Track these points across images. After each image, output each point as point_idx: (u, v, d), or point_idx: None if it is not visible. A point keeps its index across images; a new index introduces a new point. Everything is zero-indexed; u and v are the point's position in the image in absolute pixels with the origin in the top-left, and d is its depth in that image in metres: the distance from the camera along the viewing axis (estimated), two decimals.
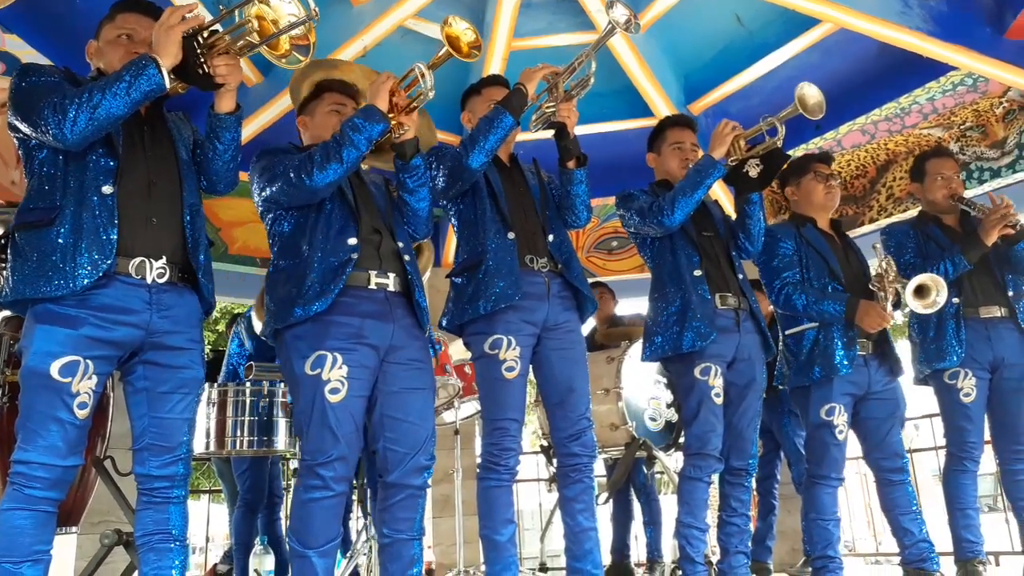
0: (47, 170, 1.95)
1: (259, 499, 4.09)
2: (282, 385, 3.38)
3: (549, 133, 2.69)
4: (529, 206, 2.68)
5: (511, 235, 2.55)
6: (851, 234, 3.59)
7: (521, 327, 2.51)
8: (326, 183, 2.20)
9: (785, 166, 3.16)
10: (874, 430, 2.97)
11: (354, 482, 3.71)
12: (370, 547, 3.53)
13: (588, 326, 5.06)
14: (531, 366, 2.60)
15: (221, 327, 11.98)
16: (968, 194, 4.31)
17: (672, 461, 4.11)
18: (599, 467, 4.36)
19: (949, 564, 3.02)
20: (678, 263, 2.86)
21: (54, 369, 1.81)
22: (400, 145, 2.34)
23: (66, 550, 4.14)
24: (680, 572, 2.80)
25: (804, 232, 3.08)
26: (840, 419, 2.89)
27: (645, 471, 4.52)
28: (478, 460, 2.55)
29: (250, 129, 4.63)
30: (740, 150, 2.80)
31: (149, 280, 1.95)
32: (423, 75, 2.21)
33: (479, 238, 2.56)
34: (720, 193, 4.86)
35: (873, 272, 2.93)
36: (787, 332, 3.08)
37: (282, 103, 4.56)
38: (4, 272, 2.03)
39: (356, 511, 4.23)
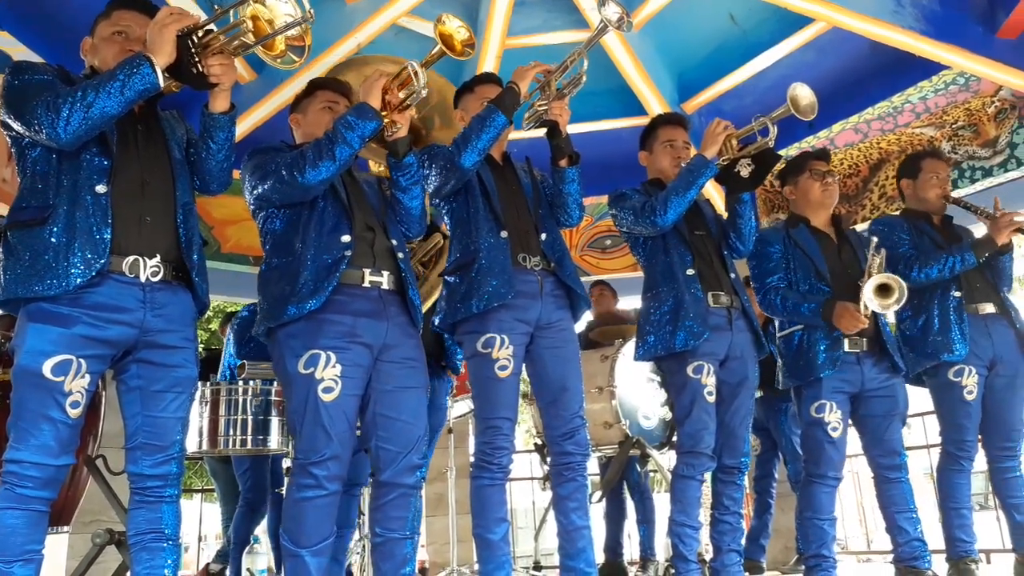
0: (40, 168, 1.93)
1: (261, 498, 4.09)
2: (275, 384, 3.37)
3: (542, 131, 2.69)
4: (522, 205, 2.68)
5: (504, 234, 2.55)
6: None
7: (514, 326, 2.50)
8: (319, 181, 2.19)
9: (780, 166, 3.17)
10: (872, 427, 2.97)
11: None
12: (363, 546, 3.53)
13: (583, 323, 5.08)
14: (524, 365, 2.60)
15: (214, 326, 11.97)
16: (959, 193, 4.34)
17: (666, 459, 4.11)
18: (592, 465, 4.37)
19: (941, 562, 3.02)
20: (671, 262, 2.86)
21: (46, 368, 1.81)
22: (393, 143, 2.33)
23: (58, 549, 4.13)
24: (673, 570, 2.80)
25: (794, 234, 3.08)
26: (832, 416, 2.89)
27: (639, 469, 4.53)
28: (471, 459, 2.55)
29: (243, 127, 4.62)
30: (732, 149, 2.80)
31: (143, 279, 1.94)
32: (416, 73, 2.21)
33: (472, 237, 2.56)
34: (713, 192, 4.86)
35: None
36: (779, 333, 3.09)
37: (275, 101, 4.55)
38: None
39: None
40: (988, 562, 4.31)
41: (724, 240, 2.97)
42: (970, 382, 3.05)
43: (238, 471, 4.17)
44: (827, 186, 3.12)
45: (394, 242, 2.36)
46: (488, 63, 4.57)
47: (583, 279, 2.76)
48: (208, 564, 4.65)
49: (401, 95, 2.27)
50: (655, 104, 4.93)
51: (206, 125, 2.09)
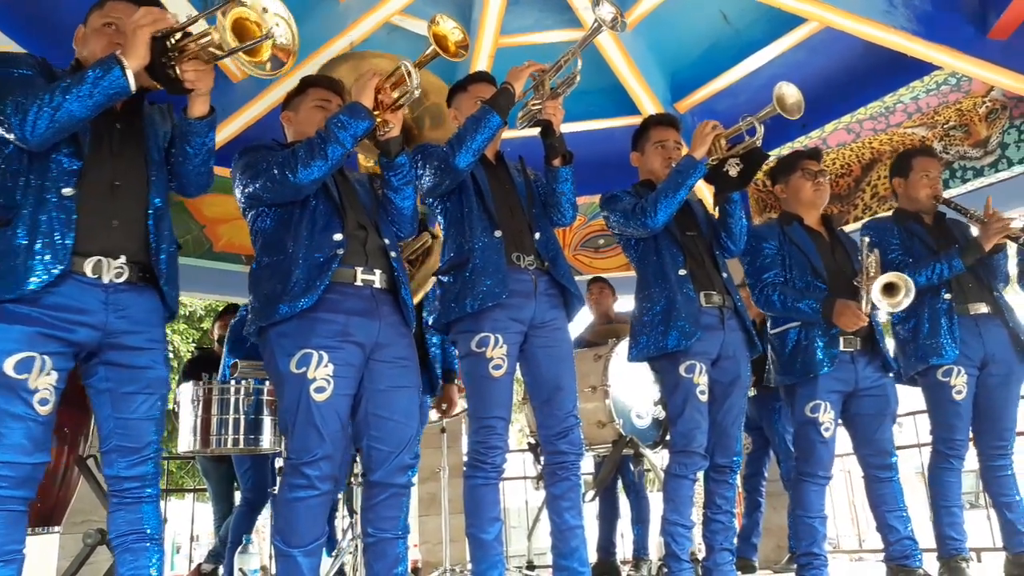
0: (12, 167, 1.90)
1: (261, 498, 4.08)
2: (267, 383, 3.36)
3: (535, 130, 2.69)
4: (515, 204, 2.68)
5: (498, 233, 2.54)
6: None
7: (508, 325, 2.50)
8: (310, 180, 2.18)
9: (772, 165, 3.17)
10: (863, 427, 2.98)
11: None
12: (356, 546, 3.52)
13: (585, 321, 5.09)
14: (518, 364, 2.60)
15: (206, 325, 11.94)
16: (951, 193, 4.36)
17: (659, 458, 4.12)
18: (587, 464, 4.38)
19: (932, 561, 3.04)
20: (663, 263, 2.87)
21: (8, 366, 1.78)
22: (385, 143, 2.33)
23: (49, 549, 4.11)
24: (666, 569, 2.80)
25: (788, 231, 3.09)
26: (826, 416, 2.90)
27: (633, 469, 4.53)
28: (464, 458, 2.55)
29: (235, 125, 4.60)
30: (721, 149, 2.81)
31: (106, 280, 1.91)
32: (409, 73, 2.20)
33: (466, 236, 2.55)
34: (705, 192, 4.87)
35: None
36: (772, 331, 3.09)
37: (267, 100, 4.53)
38: None
39: (342, 510, 4.21)
40: (979, 560, 4.33)
41: (716, 240, 2.98)
42: (959, 382, 3.06)
43: (239, 471, 4.16)
44: (819, 186, 3.13)
45: (386, 241, 2.35)
46: (481, 62, 4.56)
47: (576, 278, 2.76)
48: (200, 564, 4.63)
49: (394, 95, 2.27)
50: (648, 103, 4.93)
51: (183, 129, 2.05)
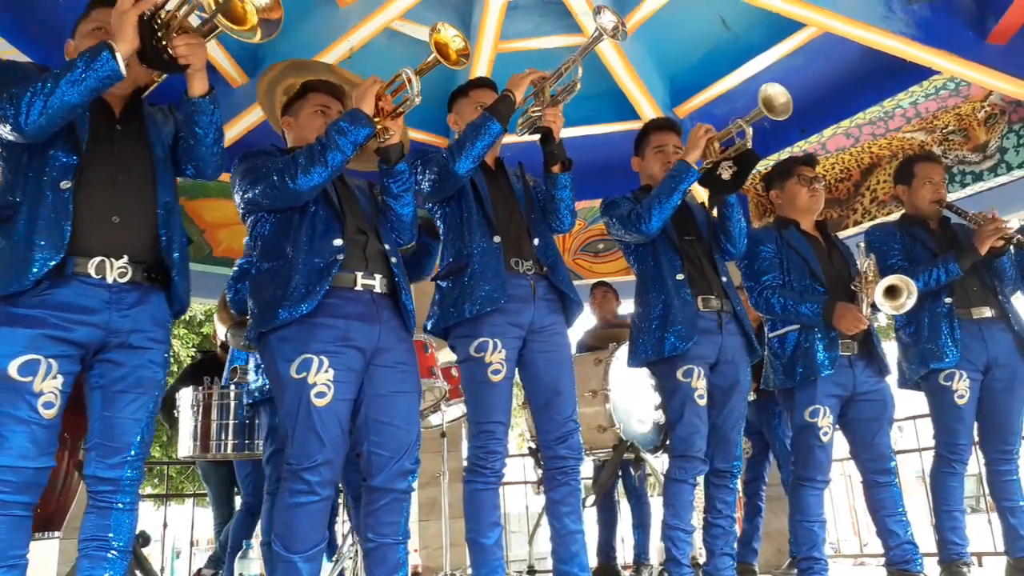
0: (13, 164, 1.92)
1: (262, 503, 4.07)
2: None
3: (535, 136, 2.70)
4: (514, 209, 2.68)
5: (497, 238, 2.55)
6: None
7: (507, 330, 2.51)
8: (310, 187, 2.18)
9: (767, 171, 3.17)
10: (862, 431, 2.98)
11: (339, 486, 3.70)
12: (356, 551, 3.52)
13: (587, 325, 5.09)
14: (517, 369, 2.60)
15: (207, 330, 11.93)
16: (951, 198, 4.36)
17: (660, 463, 4.11)
18: (587, 469, 4.37)
19: (933, 565, 3.03)
20: (660, 268, 2.88)
21: (12, 368, 1.78)
22: (385, 150, 2.33)
23: (49, 555, 4.11)
24: (666, 574, 2.80)
25: (786, 235, 3.09)
26: (824, 421, 2.90)
27: (633, 473, 4.52)
28: (464, 463, 2.55)
29: (235, 131, 4.61)
30: (714, 152, 2.81)
31: (110, 280, 1.91)
32: (410, 80, 2.21)
33: (464, 241, 2.56)
34: (705, 196, 4.88)
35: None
36: (771, 334, 3.10)
37: None
38: None
39: (342, 515, 4.21)
40: (980, 565, 4.32)
41: (715, 243, 2.98)
42: (961, 386, 3.06)
43: (240, 475, 4.15)
44: (814, 191, 3.14)
45: (386, 246, 2.35)
46: (481, 67, 4.58)
47: (576, 283, 2.76)
48: (200, 569, 4.63)
49: (394, 102, 2.27)
50: (648, 108, 4.94)
51: (187, 112, 2.04)
